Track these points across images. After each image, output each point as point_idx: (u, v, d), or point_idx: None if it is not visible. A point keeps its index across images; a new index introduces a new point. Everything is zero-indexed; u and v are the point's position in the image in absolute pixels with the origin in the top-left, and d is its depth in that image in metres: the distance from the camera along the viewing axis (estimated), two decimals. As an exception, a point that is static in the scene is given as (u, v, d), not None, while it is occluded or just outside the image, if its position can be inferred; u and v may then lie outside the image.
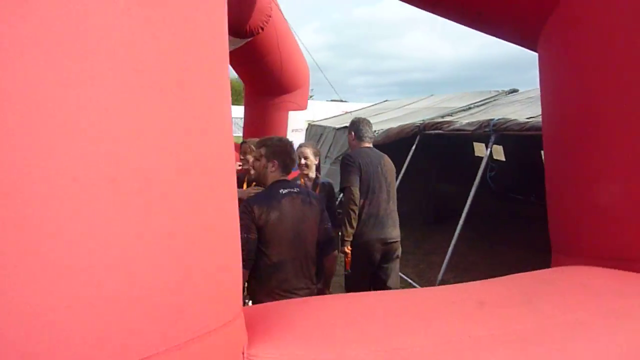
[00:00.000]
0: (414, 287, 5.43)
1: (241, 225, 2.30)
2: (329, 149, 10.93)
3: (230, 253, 0.97)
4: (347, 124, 10.31)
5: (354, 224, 3.47)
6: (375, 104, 14.23)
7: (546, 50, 1.95)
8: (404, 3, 2.32)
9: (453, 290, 1.33)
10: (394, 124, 8.00)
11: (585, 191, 1.74)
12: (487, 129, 5.35)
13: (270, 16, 3.65)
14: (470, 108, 8.20)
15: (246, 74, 6.93)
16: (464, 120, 6.61)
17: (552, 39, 1.87)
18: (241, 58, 6.37)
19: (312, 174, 3.81)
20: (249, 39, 4.13)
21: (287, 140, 2.64)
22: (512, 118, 5.12)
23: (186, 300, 0.86)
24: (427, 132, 6.76)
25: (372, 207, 3.55)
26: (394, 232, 3.72)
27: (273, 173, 2.52)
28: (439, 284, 5.13)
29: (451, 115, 8.03)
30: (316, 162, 3.87)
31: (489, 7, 2.01)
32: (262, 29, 3.64)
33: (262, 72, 6.40)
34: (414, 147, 6.94)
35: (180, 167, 0.91)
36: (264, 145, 2.57)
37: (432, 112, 9.07)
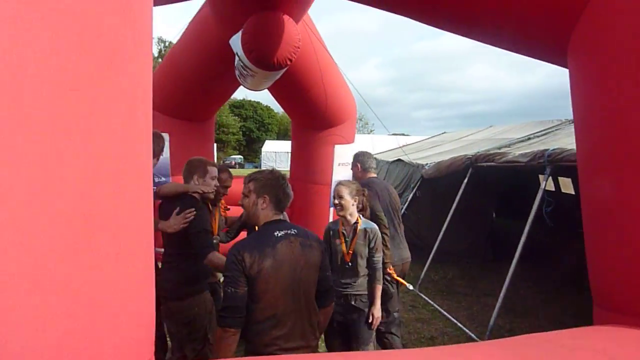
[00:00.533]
0: (464, 332, 4.99)
1: (228, 277, 2.02)
2: (382, 182, 10.70)
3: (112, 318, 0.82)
4: (401, 157, 10.10)
5: (388, 246, 3.68)
6: (433, 137, 13.89)
7: (576, 62, 1.67)
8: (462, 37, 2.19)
9: (433, 356, 1.09)
10: (449, 157, 7.65)
11: (628, 233, 1.43)
12: (541, 160, 4.92)
13: (298, 47, 3.57)
14: (529, 138, 7.69)
15: (291, 108, 6.97)
16: (520, 151, 6.17)
17: (581, 48, 1.61)
18: (285, 92, 6.43)
19: (351, 217, 3.30)
20: (283, 71, 4.08)
21: (280, 173, 2.34)
22: (570, 148, 4.66)
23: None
24: (479, 164, 6.37)
25: (390, 230, 3.82)
26: (407, 253, 4.09)
27: (264, 210, 2.21)
28: (491, 330, 4.67)
29: (509, 147, 7.56)
30: (354, 203, 3.31)
31: (510, 19, 1.78)
32: (291, 60, 3.57)
33: (306, 106, 6.39)
34: (465, 180, 6.56)
35: (89, 197, 0.80)
36: (252, 180, 2.26)
37: (489, 144, 8.62)
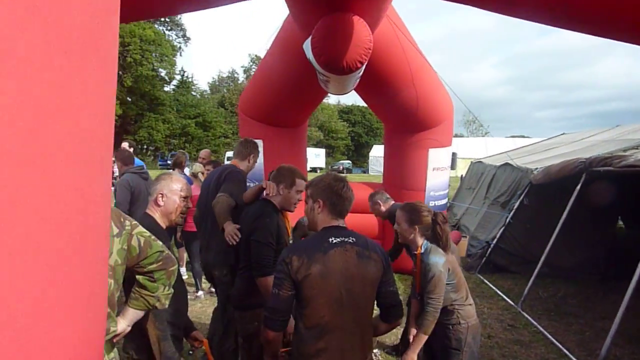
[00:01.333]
0: (569, 359, 4.39)
1: (276, 277, 1.98)
2: (488, 189, 9.95)
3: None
4: (508, 162, 9.28)
5: None
6: (548, 139, 12.68)
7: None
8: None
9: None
10: (563, 160, 6.84)
11: None
12: (669, 164, 4.16)
13: (370, 49, 3.39)
14: (664, 138, 6.61)
15: (381, 111, 6.81)
16: (646, 153, 5.31)
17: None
18: (374, 96, 6.29)
19: (413, 247, 2.89)
20: (358, 74, 3.96)
21: (338, 176, 2.22)
22: None
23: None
24: (594, 169, 5.60)
25: None
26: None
27: (321, 215, 2.11)
28: (603, 361, 4.03)
29: (637, 148, 6.57)
30: (413, 232, 2.86)
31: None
32: (362, 63, 3.41)
33: (397, 108, 6.18)
34: (579, 186, 5.81)
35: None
36: (309, 185, 2.21)
37: (613, 145, 7.58)
